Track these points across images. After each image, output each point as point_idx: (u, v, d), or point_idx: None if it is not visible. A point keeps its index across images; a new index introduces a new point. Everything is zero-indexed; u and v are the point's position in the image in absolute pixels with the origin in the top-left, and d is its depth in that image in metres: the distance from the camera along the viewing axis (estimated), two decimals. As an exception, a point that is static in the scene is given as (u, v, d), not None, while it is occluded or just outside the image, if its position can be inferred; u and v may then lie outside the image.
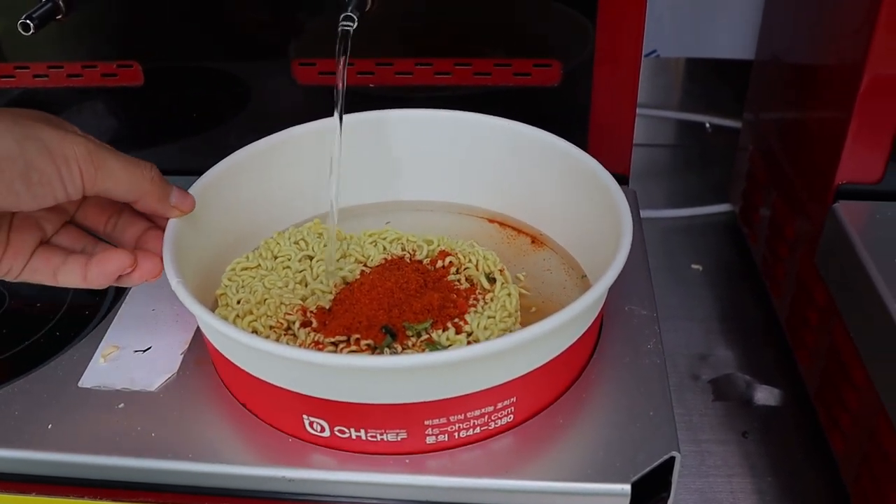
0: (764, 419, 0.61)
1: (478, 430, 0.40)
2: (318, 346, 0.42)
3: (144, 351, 0.46)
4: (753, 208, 0.72)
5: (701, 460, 0.57)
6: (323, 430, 0.39)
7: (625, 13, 0.53)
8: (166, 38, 0.59)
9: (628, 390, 0.42)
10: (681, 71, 0.87)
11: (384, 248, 0.49)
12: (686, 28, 0.82)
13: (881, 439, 0.47)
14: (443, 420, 0.38)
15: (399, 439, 0.39)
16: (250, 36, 0.58)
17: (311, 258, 0.49)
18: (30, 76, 0.62)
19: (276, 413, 0.41)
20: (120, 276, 0.42)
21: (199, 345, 0.46)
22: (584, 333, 0.41)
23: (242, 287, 0.47)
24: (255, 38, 0.58)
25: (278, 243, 0.50)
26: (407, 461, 0.39)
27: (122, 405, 0.43)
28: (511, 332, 0.40)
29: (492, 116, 0.52)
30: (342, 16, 0.48)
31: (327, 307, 0.45)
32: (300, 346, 0.42)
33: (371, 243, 0.50)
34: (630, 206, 0.45)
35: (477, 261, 0.48)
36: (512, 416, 0.40)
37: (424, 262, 0.48)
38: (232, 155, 0.50)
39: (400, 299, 0.44)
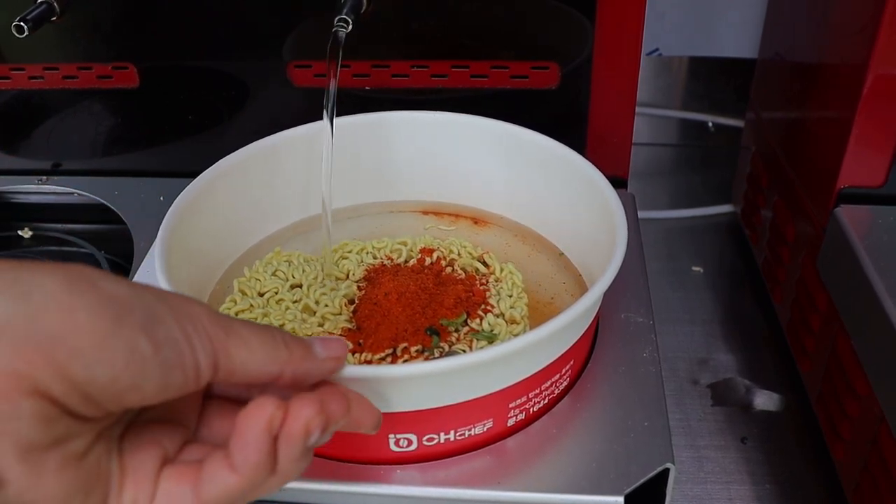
0: (763, 425, 0.60)
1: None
2: (369, 364, 0.41)
3: None
4: (755, 210, 0.72)
5: (699, 466, 0.57)
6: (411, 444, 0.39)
7: (624, 16, 0.53)
8: (161, 39, 0.59)
9: (623, 400, 0.42)
10: (683, 70, 0.87)
11: (361, 261, 0.49)
12: (689, 26, 0.82)
13: (882, 447, 0.47)
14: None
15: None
16: (246, 38, 0.58)
17: (299, 286, 0.48)
18: (25, 78, 0.62)
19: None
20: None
21: None
22: (578, 341, 0.41)
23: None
24: (250, 40, 0.58)
25: (257, 279, 0.48)
26: (397, 471, 0.39)
27: None
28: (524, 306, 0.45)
29: (487, 119, 0.52)
30: (336, 18, 0.47)
31: (352, 327, 0.45)
32: None
33: (343, 258, 0.50)
34: (628, 211, 0.44)
35: (458, 250, 0.48)
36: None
37: (411, 263, 0.48)
38: (227, 157, 0.50)
39: (429, 299, 0.44)
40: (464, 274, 0.48)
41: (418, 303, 0.44)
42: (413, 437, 0.38)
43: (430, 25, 0.55)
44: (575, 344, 0.41)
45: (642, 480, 0.38)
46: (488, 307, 0.45)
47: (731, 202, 0.80)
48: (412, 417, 0.37)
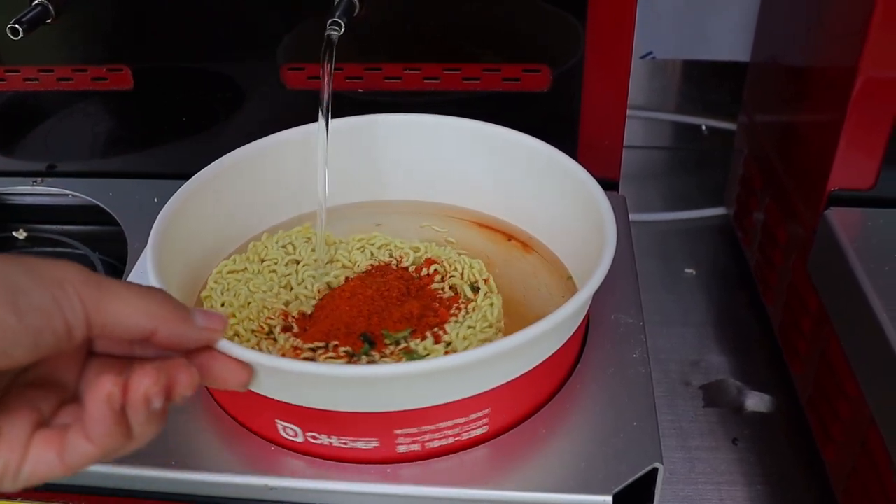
0: (755, 426, 0.60)
1: (451, 440, 0.39)
2: (296, 351, 0.42)
3: None
4: (747, 213, 0.72)
5: (691, 467, 0.57)
6: (296, 435, 0.39)
7: (615, 19, 0.53)
8: (156, 42, 0.59)
9: (612, 400, 0.42)
10: (677, 73, 0.87)
11: (371, 255, 0.49)
12: (682, 30, 0.82)
13: (871, 449, 0.47)
14: (419, 428, 0.38)
15: (373, 447, 0.39)
16: (239, 40, 0.58)
17: (297, 262, 0.49)
18: (20, 80, 0.62)
19: (252, 418, 0.41)
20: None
21: None
22: (567, 342, 0.41)
23: (227, 290, 0.47)
24: (243, 42, 0.58)
25: (266, 246, 0.50)
26: (388, 471, 0.39)
27: None
28: (491, 342, 0.40)
29: (478, 121, 0.52)
30: (329, 21, 0.48)
31: (309, 312, 0.45)
32: (279, 351, 0.42)
33: (359, 249, 0.50)
34: (618, 213, 0.45)
35: (462, 269, 0.47)
36: (487, 426, 0.40)
37: (410, 269, 0.48)
38: (220, 159, 0.50)
39: (380, 307, 0.44)
40: (451, 293, 0.46)
41: (368, 307, 0.44)
42: (298, 430, 0.39)
43: (422, 28, 0.56)
44: (561, 348, 0.41)
45: (631, 480, 0.38)
46: (441, 332, 0.42)
47: (723, 205, 0.80)
48: (298, 411, 0.38)
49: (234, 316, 0.45)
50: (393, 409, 0.37)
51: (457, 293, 0.46)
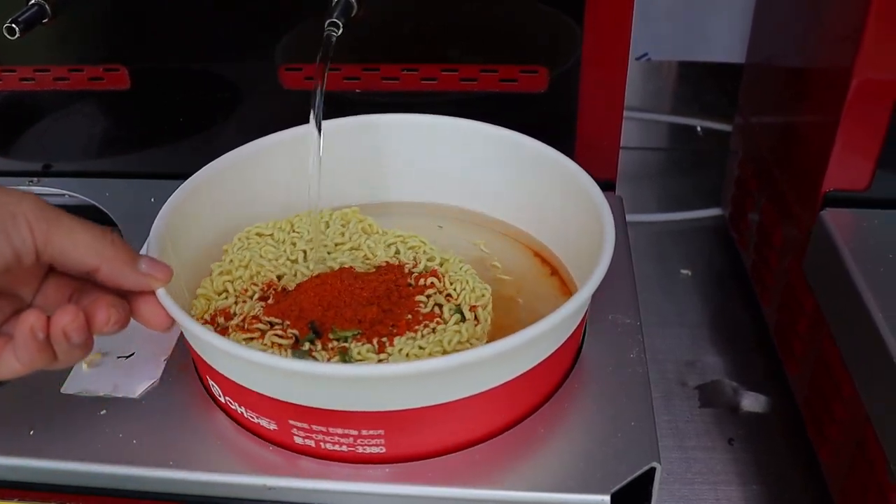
0: (751, 426, 0.60)
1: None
2: (254, 320, 0.44)
3: (128, 357, 0.46)
4: (743, 214, 0.72)
5: (686, 467, 0.57)
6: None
7: (612, 20, 0.53)
8: (153, 42, 0.59)
9: (610, 400, 0.42)
10: (672, 74, 0.87)
11: (397, 251, 0.49)
12: (678, 31, 0.82)
13: (867, 449, 0.47)
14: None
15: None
16: (237, 41, 0.58)
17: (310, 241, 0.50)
18: (16, 79, 0.62)
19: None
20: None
21: (181, 351, 0.46)
22: (565, 342, 0.41)
23: (243, 249, 0.49)
24: (241, 42, 0.58)
25: (301, 219, 0.51)
26: (388, 470, 0.39)
27: (104, 412, 0.42)
28: None
29: (476, 121, 0.52)
30: (327, 21, 0.48)
31: (290, 289, 0.46)
32: (241, 315, 0.44)
33: (389, 244, 0.50)
34: (615, 213, 0.44)
35: (461, 291, 0.46)
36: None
37: (413, 274, 0.47)
38: (218, 159, 0.50)
39: (342, 302, 0.44)
40: (432, 310, 0.45)
41: (330, 300, 0.44)
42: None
43: (420, 29, 0.56)
44: (559, 349, 0.41)
45: (629, 479, 0.38)
46: (388, 344, 0.42)
47: (719, 206, 0.80)
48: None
49: (230, 273, 0.47)
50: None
51: (437, 312, 0.45)
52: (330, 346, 0.42)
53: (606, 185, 0.57)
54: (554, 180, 0.50)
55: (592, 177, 0.47)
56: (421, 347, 0.42)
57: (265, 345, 0.42)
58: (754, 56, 0.71)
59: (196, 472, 0.40)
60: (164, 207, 0.45)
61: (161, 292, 0.38)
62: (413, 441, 0.39)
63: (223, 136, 0.62)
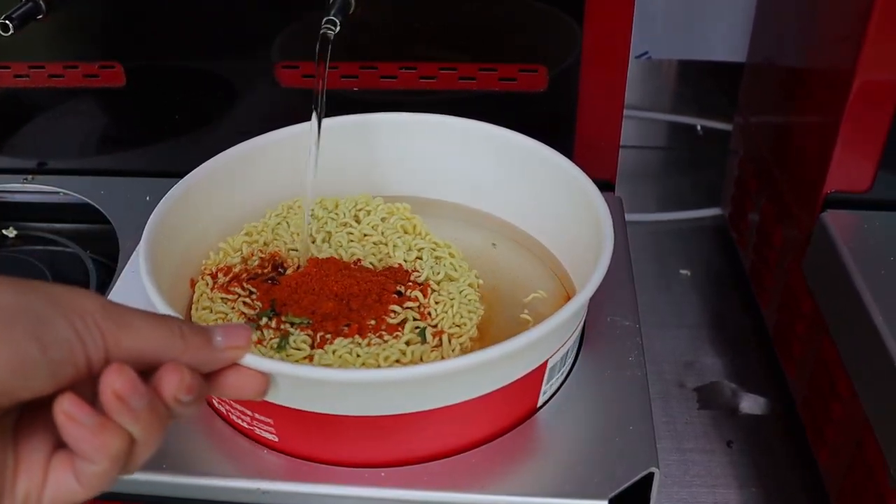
0: (749, 428, 0.60)
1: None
2: (234, 284, 0.46)
3: None
4: (743, 214, 0.72)
5: (685, 469, 0.57)
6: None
7: (612, 19, 0.52)
8: (149, 38, 0.58)
9: (608, 404, 0.42)
10: (672, 73, 0.87)
11: (418, 257, 0.48)
12: (678, 30, 0.82)
13: (865, 451, 0.47)
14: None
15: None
16: (233, 38, 0.58)
17: (345, 225, 0.50)
18: (10, 76, 0.61)
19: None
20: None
21: None
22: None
23: (281, 216, 0.51)
24: (238, 40, 0.58)
25: (337, 203, 0.52)
26: (382, 474, 0.39)
27: None
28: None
29: (474, 121, 0.52)
30: (324, 19, 0.47)
31: (289, 265, 0.48)
32: (230, 277, 0.46)
33: (416, 248, 0.49)
34: (614, 214, 0.44)
35: (441, 314, 0.44)
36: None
37: (410, 283, 0.47)
38: (214, 157, 0.49)
39: (310, 290, 0.45)
40: (398, 320, 0.43)
41: (303, 285, 0.45)
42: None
43: (418, 27, 0.55)
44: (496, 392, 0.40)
45: (627, 484, 0.38)
46: (328, 341, 0.42)
47: (718, 205, 0.80)
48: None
49: (250, 235, 0.50)
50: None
51: (398, 326, 0.43)
52: (281, 326, 0.43)
53: (606, 186, 0.57)
54: (552, 181, 0.49)
55: (591, 177, 0.47)
56: (357, 355, 0.41)
57: (233, 309, 0.44)
58: (755, 55, 0.71)
59: (190, 475, 0.39)
60: (158, 206, 0.45)
61: (158, 299, 0.36)
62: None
63: (219, 134, 0.62)
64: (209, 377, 0.32)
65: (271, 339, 0.42)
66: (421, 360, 0.41)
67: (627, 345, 0.45)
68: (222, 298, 0.45)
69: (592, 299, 0.40)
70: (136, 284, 0.42)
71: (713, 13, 0.80)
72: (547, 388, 0.42)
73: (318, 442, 0.39)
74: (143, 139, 0.63)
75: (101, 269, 0.59)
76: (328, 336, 0.42)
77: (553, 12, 0.53)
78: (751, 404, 0.62)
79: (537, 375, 0.40)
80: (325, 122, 0.47)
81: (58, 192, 0.62)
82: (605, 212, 0.44)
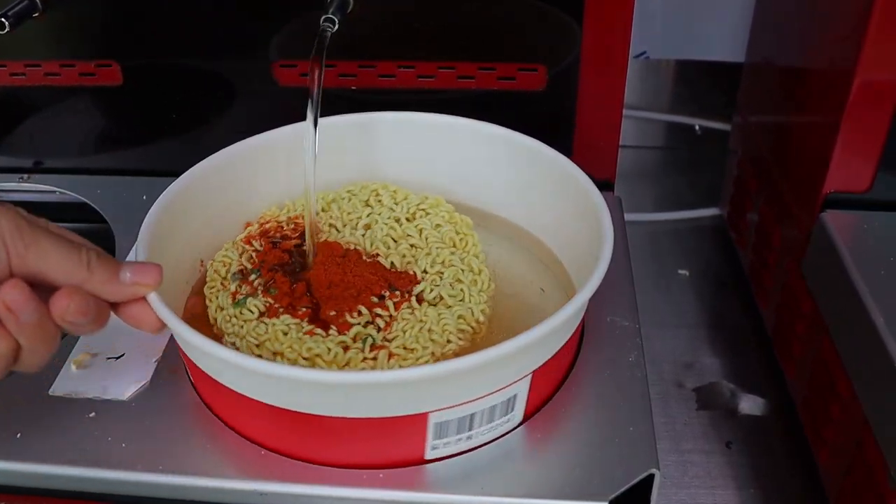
0: (748, 429, 0.60)
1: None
2: (247, 241, 0.48)
3: (117, 358, 0.46)
4: (741, 214, 0.72)
5: (684, 471, 0.57)
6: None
7: (611, 19, 0.52)
8: (146, 37, 0.58)
9: (608, 405, 0.42)
10: (671, 72, 0.87)
11: (435, 264, 0.47)
12: (676, 29, 0.82)
13: (865, 452, 0.47)
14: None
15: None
16: (230, 37, 0.57)
17: (397, 221, 0.50)
18: (6, 74, 0.61)
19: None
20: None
21: (173, 352, 0.45)
22: (563, 346, 0.41)
23: (335, 200, 0.52)
24: (236, 38, 0.57)
25: (398, 192, 0.52)
26: (381, 476, 0.39)
27: (92, 414, 0.42)
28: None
29: (473, 120, 0.52)
30: (323, 17, 0.47)
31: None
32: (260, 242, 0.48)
33: (431, 262, 0.47)
34: (614, 214, 0.44)
35: (396, 335, 0.43)
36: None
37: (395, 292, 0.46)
38: (211, 157, 0.49)
39: (315, 271, 0.46)
40: (354, 322, 0.43)
41: (321, 267, 0.46)
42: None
43: (417, 26, 0.55)
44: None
45: (627, 486, 0.37)
46: (284, 311, 0.43)
47: (717, 205, 0.80)
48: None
49: (287, 207, 0.52)
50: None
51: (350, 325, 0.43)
52: (257, 287, 0.45)
53: (605, 186, 0.57)
54: (552, 180, 0.49)
55: (591, 177, 0.47)
56: (284, 333, 0.42)
57: (238, 258, 0.48)
58: (754, 55, 0.71)
59: (187, 476, 0.39)
60: (154, 205, 0.45)
61: (152, 296, 0.37)
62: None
63: (216, 134, 0.62)
64: (117, 304, 0.36)
65: (242, 295, 0.45)
66: (347, 364, 0.41)
67: (627, 345, 0.45)
68: (241, 246, 0.48)
69: (591, 300, 0.40)
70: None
71: (712, 13, 0.80)
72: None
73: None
74: (140, 138, 0.63)
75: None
76: (280, 309, 0.43)
77: (552, 11, 0.53)
78: (750, 405, 0.62)
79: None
80: (323, 121, 0.47)
81: (54, 192, 0.62)
82: (604, 210, 0.44)
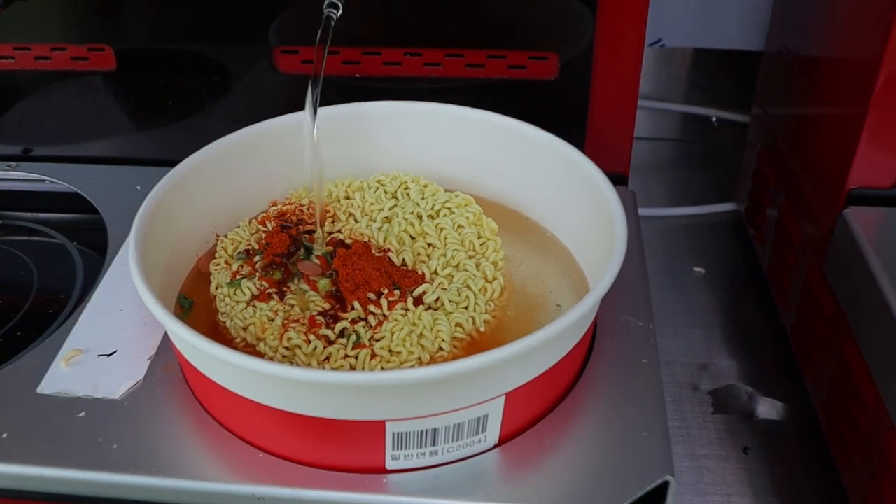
0: (766, 434, 0.59)
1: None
2: (261, 222, 0.48)
3: (109, 355, 0.45)
4: (760, 209, 0.71)
5: (699, 477, 0.56)
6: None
7: (626, 5, 0.52)
8: (140, 20, 0.58)
9: (621, 409, 0.41)
10: (687, 61, 0.86)
11: (448, 266, 0.46)
12: (693, 16, 0.81)
13: (890, 459, 0.46)
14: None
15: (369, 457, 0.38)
16: (230, 21, 0.57)
17: (419, 217, 0.48)
18: (-5, 58, 0.61)
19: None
20: None
21: (166, 350, 0.45)
22: (574, 347, 0.40)
23: (360, 189, 0.51)
24: (235, 23, 0.57)
25: (427, 187, 0.51)
26: (383, 480, 0.38)
27: (83, 414, 0.42)
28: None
29: (481, 111, 0.51)
30: (327, 2, 0.47)
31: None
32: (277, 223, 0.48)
33: (444, 265, 0.46)
34: (628, 210, 0.43)
35: (383, 335, 0.41)
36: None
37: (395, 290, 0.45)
38: (208, 146, 0.49)
39: (351, 267, 0.45)
40: (351, 318, 0.43)
41: (354, 264, 0.45)
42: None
43: (424, 11, 0.55)
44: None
45: (641, 493, 0.37)
46: (274, 294, 0.44)
47: (734, 200, 0.79)
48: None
49: (307, 190, 0.51)
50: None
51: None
52: (257, 267, 0.46)
53: (618, 179, 0.57)
54: (563, 174, 0.48)
55: (603, 170, 0.46)
56: (270, 319, 0.42)
57: (252, 235, 0.48)
58: (774, 44, 0.70)
59: (181, 479, 0.39)
60: (148, 196, 0.45)
61: (147, 295, 0.37)
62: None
63: (214, 122, 0.61)
64: None
65: (241, 276, 0.45)
66: (327, 360, 0.41)
67: (641, 347, 0.44)
68: (255, 226, 0.49)
69: (604, 299, 0.39)
70: (126, 277, 0.42)
71: (730, 0, 0.79)
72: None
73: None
74: (134, 125, 0.63)
75: (88, 261, 0.58)
76: (273, 294, 0.44)
77: (565, -4, 0.53)
78: (768, 409, 0.61)
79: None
80: (323, 110, 0.47)
81: (43, 180, 0.62)
82: (617, 205, 0.43)
